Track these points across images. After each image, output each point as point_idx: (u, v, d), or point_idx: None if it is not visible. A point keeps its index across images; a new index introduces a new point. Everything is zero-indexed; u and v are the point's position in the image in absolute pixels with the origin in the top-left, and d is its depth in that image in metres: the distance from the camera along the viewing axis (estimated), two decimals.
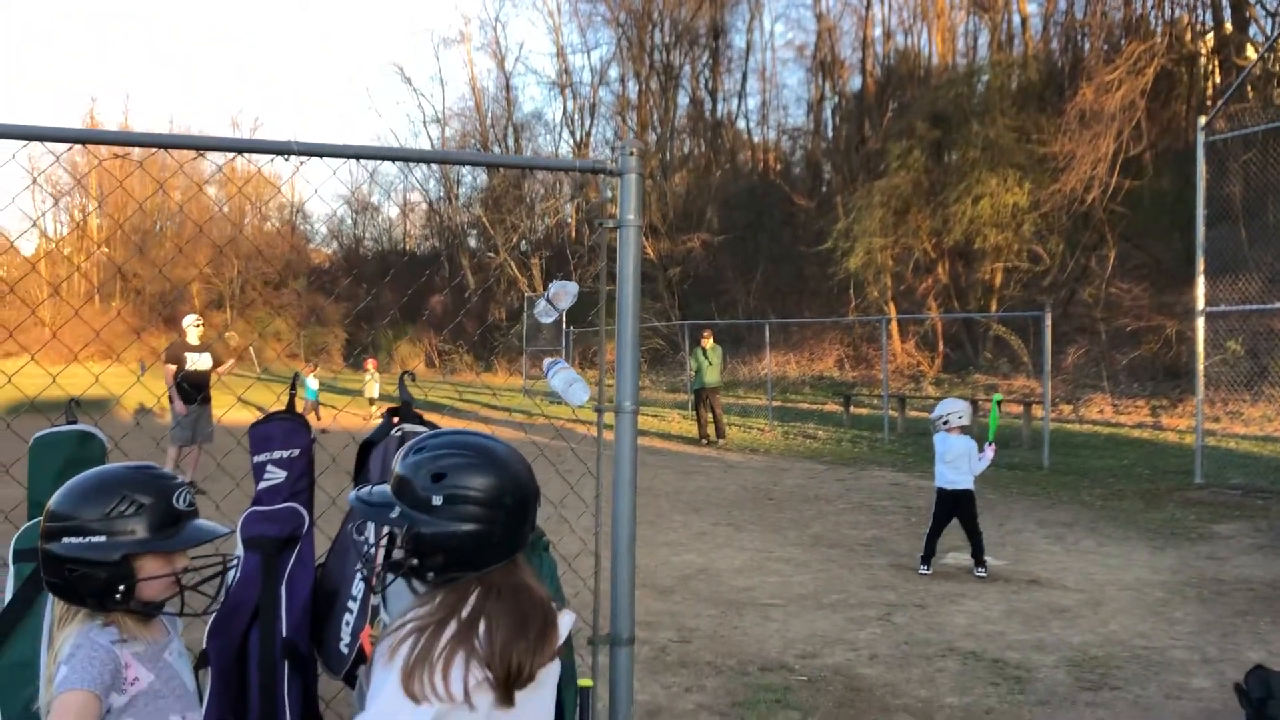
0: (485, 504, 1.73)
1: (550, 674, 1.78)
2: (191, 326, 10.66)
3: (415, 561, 1.74)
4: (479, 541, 1.73)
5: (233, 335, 19.47)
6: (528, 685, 1.68)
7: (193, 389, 10.20)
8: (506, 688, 1.64)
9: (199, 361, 10.43)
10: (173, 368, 10.32)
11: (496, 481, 1.75)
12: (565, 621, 1.79)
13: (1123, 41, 23.52)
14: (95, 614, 1.89)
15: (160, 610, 1.97)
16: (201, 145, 2.55)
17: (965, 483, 7.22)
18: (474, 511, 1.73)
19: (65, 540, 1.85)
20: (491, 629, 1.66)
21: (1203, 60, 23.24)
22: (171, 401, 10.34)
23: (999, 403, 7.63)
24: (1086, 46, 27.03)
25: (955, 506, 7.25)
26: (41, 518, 1.92)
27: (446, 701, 1.60)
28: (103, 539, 1.86)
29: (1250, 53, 20.60)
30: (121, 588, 1.88)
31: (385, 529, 2.59)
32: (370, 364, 21.58)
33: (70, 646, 1.85)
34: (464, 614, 1.68)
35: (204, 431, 10.47)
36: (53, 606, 1.95)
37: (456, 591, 1.71)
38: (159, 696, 1.92)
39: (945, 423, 7.33)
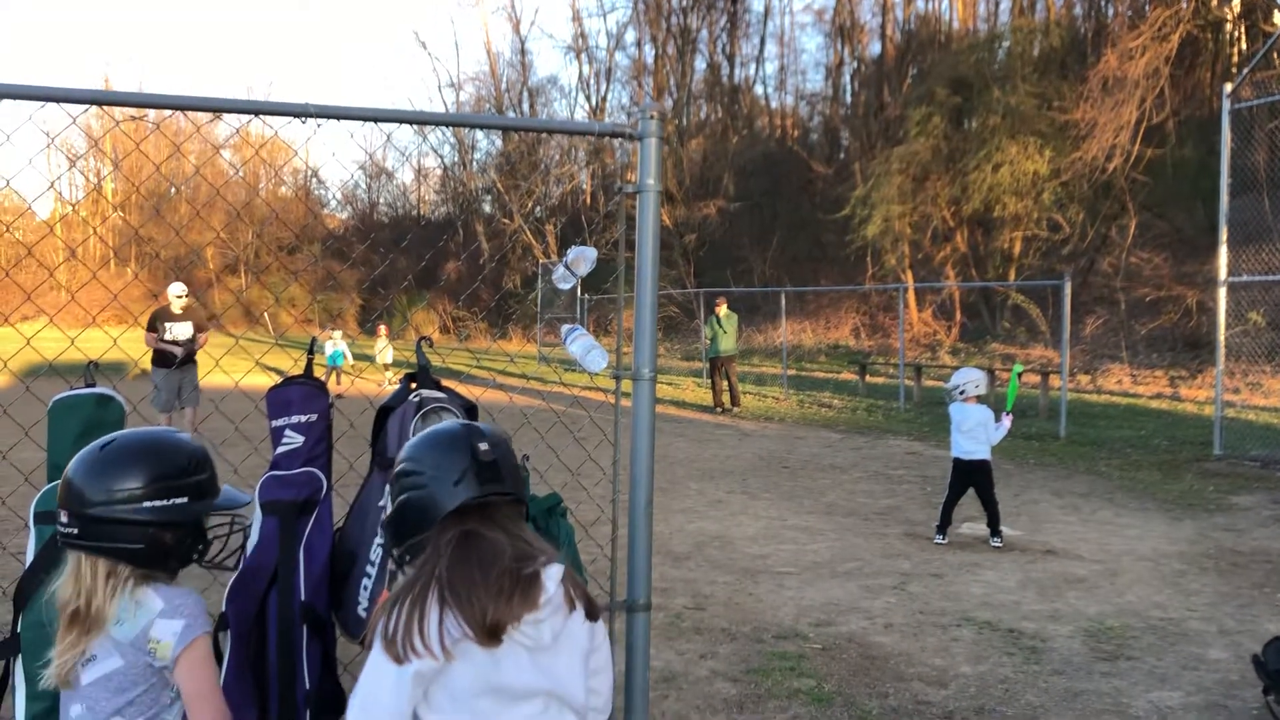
0: (407, 473, 1.86)
1: (570, 635, 1.78)
2: (175, 296, 10.66)
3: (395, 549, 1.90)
4: (409, 507, 1.84)
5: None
6: (511, 625, 1.69)
7: (171, 356, 10.35)
8: (487, 634, 1.67)
9: (178, 331, 10.52)
10: (152, 334, 10.44)
11: (412, 451, 1.88)
12: (551, 573, 1.78)
13: (1147, 7, 23.13)
14: (148, 576, 1.92)
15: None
16: (218, 107, 2.52)
17: (982, 453, 7.19)
18: (402, 482, 1.87)
19: (148, 504, 1.87)
20: (454, 578, 1.70)
21: (1228, 26, 22.83)
22: (152, 366, 10.53)
23: (1019, 373, 7.58)
24: (1110, 12, 26.66)
25: (971, 476, 7.22)
26: (96, 486, 1.89)
27: (428, 656, 1.65)
28: (185, 500, 1.91)
29: (1277, 18, 20.25)
30: (200, 547, 1.97)
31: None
32: (382, 330, 21.60)
33: (163, 601, 1.88)
34: (426, 570, 1.73)
35: (189, 396, 10.58)
36: (76, 573, 1.93)
37: (421, 557, 1.78)
38: None
39: (961, 392, 7.29)
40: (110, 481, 1.87)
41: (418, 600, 1.68)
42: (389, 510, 1.89)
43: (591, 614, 1.83)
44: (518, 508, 1.88)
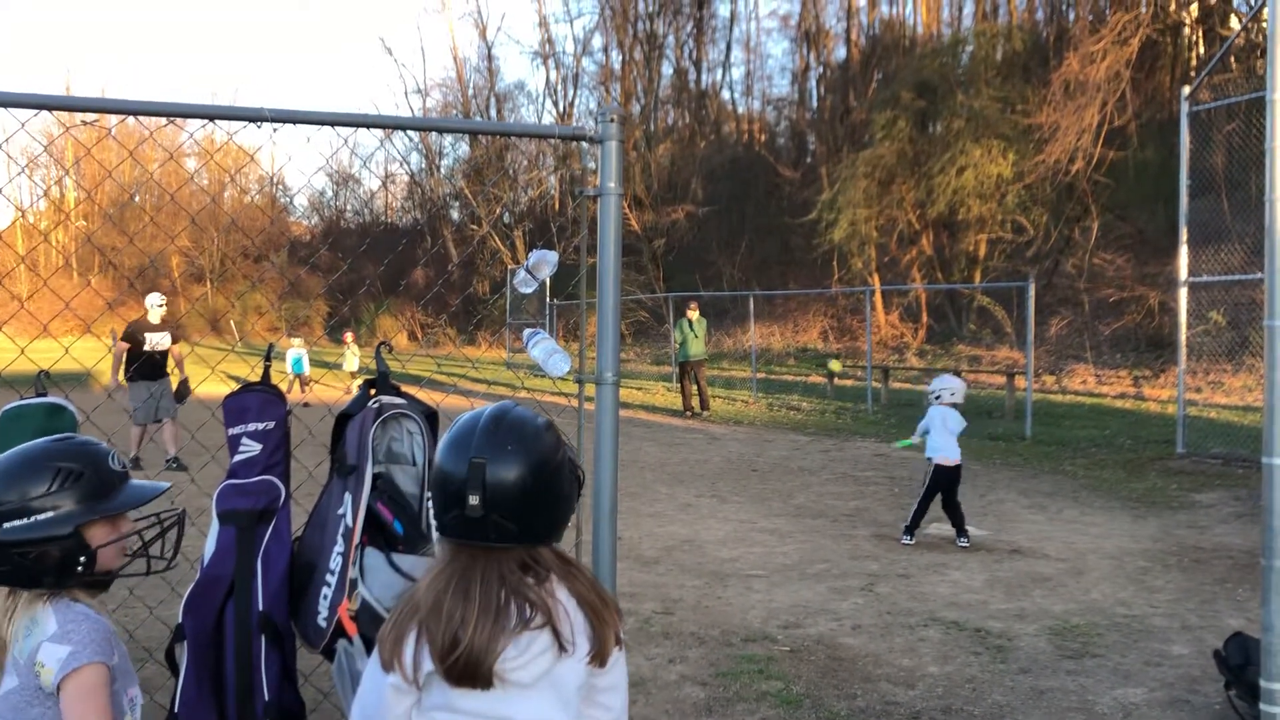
0: (434, 471, 1.77)
1: (556, 677, 1.69)
2: (154, 306, 10.59)
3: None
4: (434, 504, 1.77)
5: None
6: (477, 673, 1.62)
7: (150, 367, 10.24)
8: (449, 671, 1.62)
9: (158, 341, 10.43)
10: (125, 345, 10.32)
11: (438, 452, 1.77)
12: (527, 637, 1.66)
13: (1107, 11, 23.44)
14: (55, 593, 1.84)
15: (114, 578, 1.94)
16: (172, 111, 2.49)
17: (959, 456, 7.23)
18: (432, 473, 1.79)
19: (8, 525, 1.78)
20: (436, 616, 1.64)
21: (1187, 30, 23.18)
22: (129, 380, 10.40)
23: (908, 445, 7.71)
24: (1071, 16, 26.95)
25: (952, 480, 7.23)
26: None
27: (400, 673, 1.64)
28: (49, 515, 1.80)
29: (1234, 23, 20.57)
30: (82, 559, 1.83)
31: (363, 504, 2.56)
32: (348, 336, 21.46)
33: (57, 624, 1.79)
34: (423, 587, 1.70)
35: (167, 407, 10.47)
36: None
37: (438, 561, 1.74)
38: (122, 673, 1.89)
39: (937, 397, 7.34)
40: None
41: (407, 618, 1.67)
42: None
43: (600, 660, 1.73)
44: (532, 549, 1.72)
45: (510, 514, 1.67)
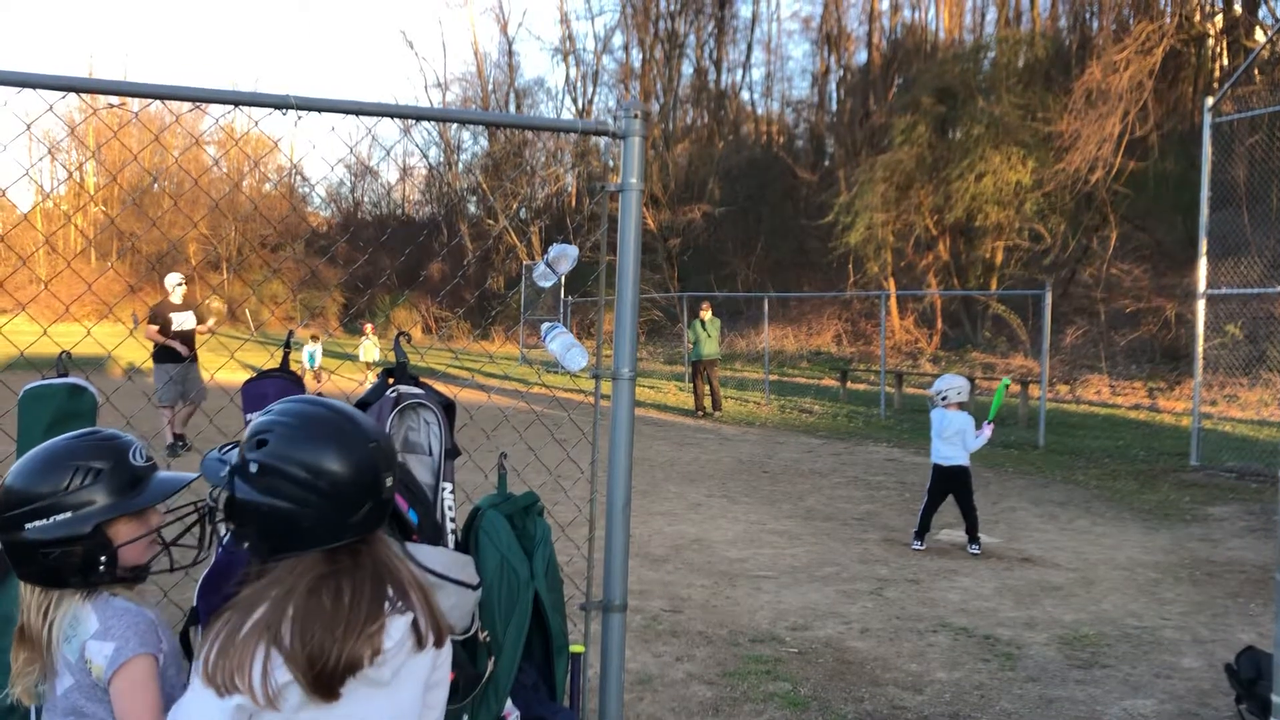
0: (298, 483, 1.59)
1: (412, 669, 1.64)
2: (175, 286, 10.64)
3: (233, 526, 1.66)
4: (287, 522, 1.60)
5: (219, 306, 18.82)
6: (349, 678, 1.55)
7: (176, 349, 10.26)
8: (318, 685, 1.54)
9: (184, 321, 10.47)
10: (155, 328, 10.34)
11: (316, 461, 1.60)
12: (397, 626, 1.61)
13: (1131, 21, 23.30)
14: (93, 590, 1.82)
15: (148, 573, 1.91)
16: (198, 97, 2.50)
17: (960, 459, 7.20)
18: (285, 488, 1.60)
19: (30, 525, 1.76)
20: (298, 622, 1.54)
21: (1211, 42, 23.03)
22: (154, 362, 10.42)
23: (1006, 386, 7.59)
24: (1095, 25, 26.86)
25: (949, 483, 7.23)
26: None
27: (248, 695, 1.52)
28: (68, 514, 1.77)
29: (1259, 35, 20.44)
30: (103, 558, 1.80)
31: None
32: (367, 328, 21.53)
33: (98, 621, 1.79)
34: (273, 599, 1.57)
35: (194, 390, 10.50)
36: (30, 595, 1.84)
37: (276, 572, 1.61)
38: (176, 659, 1.88)
39: (944, 398, 7.30)
40: (2, 506, 1.79)
41: (246, 640, 1.53)
42: (246, 499, 1.62)
43: (439, 642, 1.68)
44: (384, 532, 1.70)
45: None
